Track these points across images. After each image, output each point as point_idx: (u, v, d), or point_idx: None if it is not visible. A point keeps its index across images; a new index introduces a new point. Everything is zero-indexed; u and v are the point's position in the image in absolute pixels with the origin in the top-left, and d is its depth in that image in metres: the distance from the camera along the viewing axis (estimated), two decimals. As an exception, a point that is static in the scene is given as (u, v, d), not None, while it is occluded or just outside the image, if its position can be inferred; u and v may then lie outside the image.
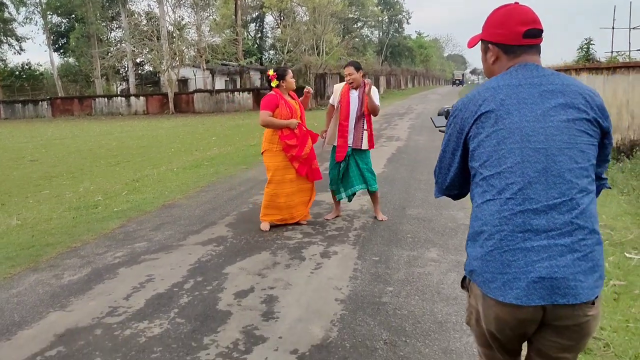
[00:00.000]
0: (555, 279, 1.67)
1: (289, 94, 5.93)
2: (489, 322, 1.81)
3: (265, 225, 5.87)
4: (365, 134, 5.99)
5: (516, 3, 1.92)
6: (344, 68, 6.07)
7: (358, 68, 5.94)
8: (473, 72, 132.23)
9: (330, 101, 6.22)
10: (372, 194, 6.19)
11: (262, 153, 5.94)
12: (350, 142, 5.95)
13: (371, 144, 6.10)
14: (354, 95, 5.95)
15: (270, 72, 5.86)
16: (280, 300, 3.93)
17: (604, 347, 3.19)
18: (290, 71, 5.93)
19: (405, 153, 11.52)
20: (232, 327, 3.51)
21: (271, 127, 5.75)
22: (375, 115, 6.04)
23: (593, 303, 1.72)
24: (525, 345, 1.91)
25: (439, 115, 2.50)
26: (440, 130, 2.37)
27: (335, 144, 6.02)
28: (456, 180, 2.00)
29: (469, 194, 1.99)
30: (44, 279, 4.62)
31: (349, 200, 6.36)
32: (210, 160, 12.05)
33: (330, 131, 6.07)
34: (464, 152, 1.92)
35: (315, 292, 4.08)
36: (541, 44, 1.93)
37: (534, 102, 1.79)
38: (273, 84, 5.83)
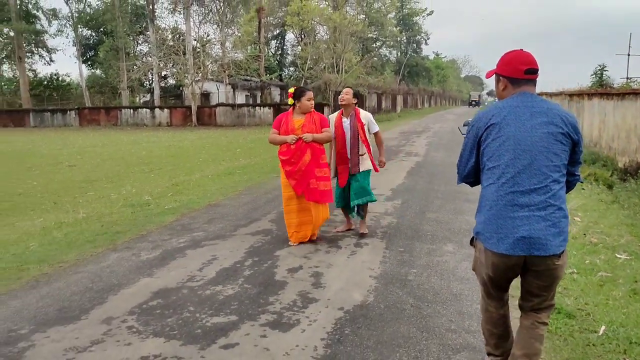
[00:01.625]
0: (533, 238, 2.55)
1: (306, 114, 5.88)
2: (487, 267, 2.75)
3: (292, 242, 5.92)
4: (362, 159, 6.16)
5: (521, 49, 2.82)
6: (344, 88, 6.32)
7: (355, 95, 6.24)
8: (490, 93, 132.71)
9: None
10: (363, 207, 6.33)
11: None
12: (349, 169, 6.16)
13: (373, 167, 6.28)
14: (346, 123, 6.18)
15: (290, 90, 5.94)
16: (325, 275, 4.85)
17: (586, 315, 4.04)
18: (308, 92, 5.88)
19: (423, 167, 12.42)
20: (290, 292, 4.42)
21: (274, 144, 5.87)
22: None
23: (559, 256, 2.60)
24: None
25: (464, 126, 3.53)
26: (464, 135, 3.32)
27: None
28: (472, 171, 2.89)
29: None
30: (125, 256, 5.57)
31: (357, 214, 6.44)
32: (241, 169, 13.00)
33: (332, 164, 6.27)
34: (478, 150, 2.80)
35: (353, 270, 4.99)
36: (537, 79, 2.81)
37: (526, 119, 2.65)
38: (289, 102, 5.92)
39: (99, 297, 4.38)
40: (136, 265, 5.24)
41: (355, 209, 6.38)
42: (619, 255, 5.65)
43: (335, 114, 6.35)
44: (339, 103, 6.25)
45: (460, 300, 4.29)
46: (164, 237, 6.32)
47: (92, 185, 11.66)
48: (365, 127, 6.22)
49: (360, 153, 6.16)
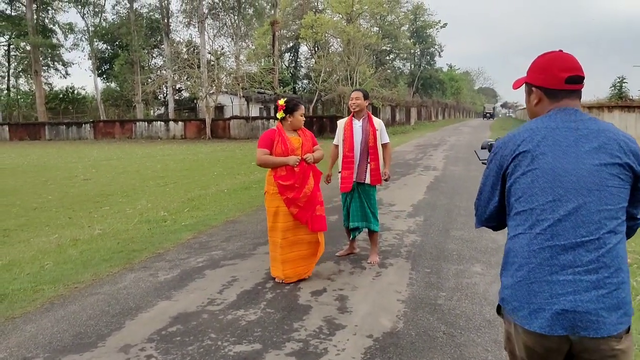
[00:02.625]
0: (578, 312, 1.79)
1: (296, 130, 5.22)
2: (520, 349, 1.96)
3: (277, 278, 5.12)
4: (369, 167, 5.70)
5: (560, 51, 2.08)
6: (352, 92, 5.86)
7: (366, 96, 5.78)
8: (504, 105, 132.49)
9: (334, 141, 5.94)
10: (371, 234, 5.88)
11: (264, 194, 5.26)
12: (354, 175, 5.71)
13: (375, 179, 5.73)
14: (357, 125, 5.74)
15: (280, 102, 5.17)
16: (350, 299, 4.63)
17: (631, 345, 3.78)
18: (302, 107, 5.20)
19: (443, 182, 12.18)
20: (315, 317, 4.22)
21: (268, 167, 5.08)
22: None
23: (619, 338, 1.81)
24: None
25: (482, 148, 2.64)
26: (483, 163, 2.46)
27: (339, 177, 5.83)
28: (495, 213, 2.14)
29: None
30: (142, 277, 5.41)
31: (352, 237, 6.02)
32: (257, 183, 12.83)
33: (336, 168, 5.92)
34: (503, 187, 2.07)
35: (379, 293, 4.78)
36: (581, 90, 2.09)
37: (569, 145, 1.92)
38: (278, 116, 5.14)
39: (115, 321, 4.20)
40: (154, 286, 5.07)
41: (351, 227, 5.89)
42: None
43: (345, 118, 5.88)
44: (351, 110, 5.78)
45: (495, 327, 4.05)
46: (181, 256, 6.15)
47: (107, 199, 11.57)
48: (378, 134, 5.77)
49: (367, 161, 5.69)
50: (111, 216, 9.37)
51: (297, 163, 4.97)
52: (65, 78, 77.15)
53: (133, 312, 4.40)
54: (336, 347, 3.69)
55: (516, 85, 2.20)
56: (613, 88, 21.38)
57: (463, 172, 13.88)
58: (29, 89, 53.67)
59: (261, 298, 4.66)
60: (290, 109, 5.09)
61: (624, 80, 21.08)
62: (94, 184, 14.38)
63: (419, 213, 8.47)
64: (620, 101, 17.64)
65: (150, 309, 4.46)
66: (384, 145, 5.91)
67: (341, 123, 5.89)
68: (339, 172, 5.80)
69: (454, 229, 7.32)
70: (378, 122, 5.85)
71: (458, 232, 7.16)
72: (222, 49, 45.34)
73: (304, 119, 5.22)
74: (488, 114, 77.17)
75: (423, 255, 6.04)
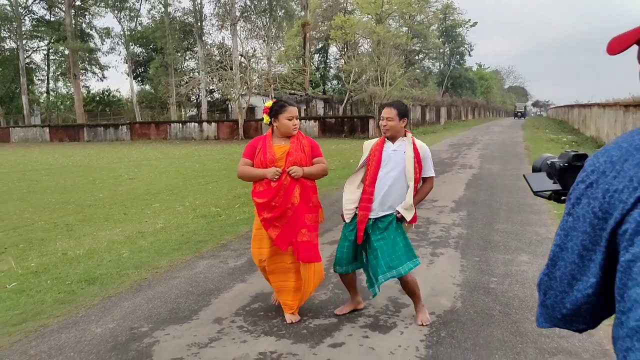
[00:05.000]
0: None
1: (291, 138, 4.24)
2: None
3: (289, 317, 4.19)
4: (403, 205, 4.07)
5: None
6: (383, 109, 4.24)
7: (402, 114, 4.12)
8: (535, 104, 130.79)
9: (360, 164, 4.25)
10: (407, 279, 4.08)
11: None
12: (373, 212, 4.07)
13: (414, 217, 4.22)
14: (390, 149, 4.12)
15: (267, 104, 4.32)
16: (409, 283, 5.05)
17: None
18: (290, 108, 4.20)
19: (480, 179, 12.50)
20: (379, 297, 4.64)
21: (246, 180, 4.27)
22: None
23: None
24: None
25: (535, 170, 1.56)
26: (537, 194, 1.51)
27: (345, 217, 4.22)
28: (585, 307, 1.01)
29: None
30: (213, 263, 5.93)
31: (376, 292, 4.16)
32: (298, 181, 13.31)
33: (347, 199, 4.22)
34: (609, 256, 0.94)
35: (435, 277, 5.21)
36: None
37: None
38: (265, 120, 4.30)
39: (202, 299, 4.71)
40: (227, 271, 5.58)
41: (376, 280, 4.04)
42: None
43: (374, 140, 4.28)
44: (383, 134, 4.21)
45: (546, 307, 4.42)
46: (245, 246, 6.65)
47: (155, 197, 12.15)
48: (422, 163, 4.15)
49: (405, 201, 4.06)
50: (163, 212, 9.93)
51: (277, 177, 4.07)
52: (102, 81, 79.44)
53: (215, 292, 4.91)
54: (404, 322, 4.13)
55: (617, 46, 0.98)
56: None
57: (500, 170, 14.16)
58: (67, 92, 55.44)
59: (327, 281, 5.10)
60: (274, 112, 4.21)
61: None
62: (139, 182, 15.03)
63: (461, 208, 8.84)
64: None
65: (229, 289, 4.97)
66: (427, 180, 4.24)
67: (367, 145, 4.29)
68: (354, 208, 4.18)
69: (497, 223, 7.67)
70: (423, 148, 4.18)
71: (501, 225, 7.51)
72: (254, 50, 46.13)
73: (295, 123, 4.21)
74: (519, 113, 76.49)
75: (471, 245, 6.43)
